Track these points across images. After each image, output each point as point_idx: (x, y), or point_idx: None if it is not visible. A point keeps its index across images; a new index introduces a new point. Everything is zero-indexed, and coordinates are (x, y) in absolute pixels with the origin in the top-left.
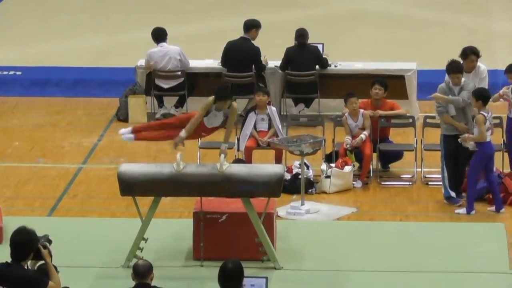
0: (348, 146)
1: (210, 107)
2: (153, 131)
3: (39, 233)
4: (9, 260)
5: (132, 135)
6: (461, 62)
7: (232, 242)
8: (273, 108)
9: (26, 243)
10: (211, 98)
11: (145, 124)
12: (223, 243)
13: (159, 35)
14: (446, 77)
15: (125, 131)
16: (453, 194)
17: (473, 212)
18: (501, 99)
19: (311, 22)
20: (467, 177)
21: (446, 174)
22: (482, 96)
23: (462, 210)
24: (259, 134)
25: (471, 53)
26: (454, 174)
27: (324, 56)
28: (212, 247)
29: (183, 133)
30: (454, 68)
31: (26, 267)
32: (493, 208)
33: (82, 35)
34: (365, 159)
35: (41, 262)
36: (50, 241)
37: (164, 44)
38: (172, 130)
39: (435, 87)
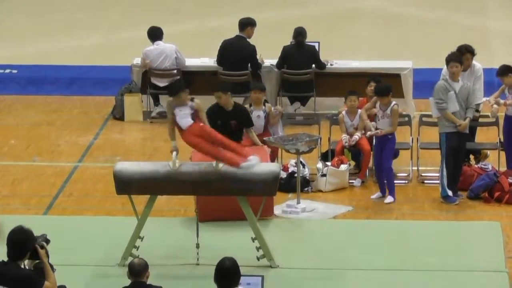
0: (346, 143)
1: (171, 107)
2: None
3: (36, 232)
4: (5, 259)
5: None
6: None
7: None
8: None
9: (22, 243)
10: (169, 99)
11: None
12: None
13: (154, 34)
14: (444, 71)
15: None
16: (450, 193)
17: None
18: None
19: (307, 20)
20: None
21: (445, 173)
22: None
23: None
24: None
25: (466, 52)
26: (453, 172)
27: (323, 61)
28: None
29: (173, 142)
30: (454, 57)
31: (22, 266)
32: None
33: (78, 33)
34: (364, 156)
35: (38, 261)
36: (47, 241)
37: (160, 42)
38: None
39: (431, 86)
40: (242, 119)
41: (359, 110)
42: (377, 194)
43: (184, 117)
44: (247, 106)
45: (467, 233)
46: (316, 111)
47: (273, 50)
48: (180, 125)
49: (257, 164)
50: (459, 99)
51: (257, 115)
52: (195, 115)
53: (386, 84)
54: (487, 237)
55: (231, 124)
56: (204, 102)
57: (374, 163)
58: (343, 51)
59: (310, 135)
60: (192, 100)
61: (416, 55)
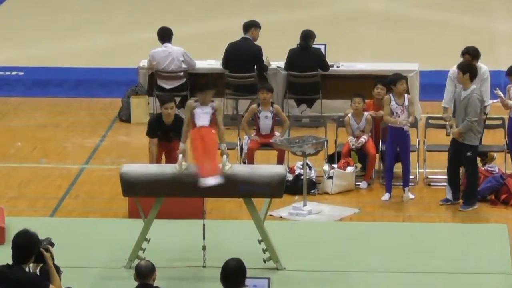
0: (353, 146)
1: (192, 107)
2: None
3: (42, 234)
4: (10, 261)
5: None
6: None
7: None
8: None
9: (27, 246)
10: (190, 101)
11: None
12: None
13: (165, 35)
14: (450, 73)
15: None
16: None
17: None
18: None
19: (313, 22)
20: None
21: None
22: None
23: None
24: (261, 138)
25: (465, 53)
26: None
27: (330, 64)
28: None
29: (182, 144)
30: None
31: (28, 270)
32: None
33: (84, 35)
34: (369, 159)
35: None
36: (52, 244)
37: (168, 44)
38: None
39: (437, 88)
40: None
41: (365, 113)
42: (386, 195)
43: (202, 117)
44: (254, 106)
45: (473, 236)
46: (323, 113)
47: (279, 52)
48: (196, 122)
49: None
50: (460, 106)
51: (265, 115)
52: (213, 116)
53: (395, 73)
54: (493, 239)
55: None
56: None
57: (387, 162)
58: (349, 53)
59: (316, 137)
60: (212, 101)
61: (422, 57)
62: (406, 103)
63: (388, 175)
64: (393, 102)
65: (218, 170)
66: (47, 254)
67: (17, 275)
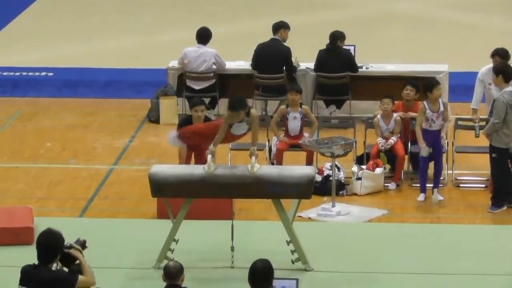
0: (382, 147)
1: (230, 120)
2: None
3: (70, 235)
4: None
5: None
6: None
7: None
8: None
9: (51, 245)
10: (228, 112)
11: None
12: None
13: (202, 36)
14: (479, 75)
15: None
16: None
17: None
18: None
19: (342, 23)
20: None
21: None
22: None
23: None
24: (290, 139)
25: (495, 54)
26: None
27: (359, 66)
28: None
29: (212, 147)
30: None
31: (54, 269)
32: None
33: (113, 36)
34: (398, 160)
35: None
36: (84, 245)
37: (202, 46)
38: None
39: (466, 90)
40: None
41: (395, 114)
42: (422, 195)
43: (238, 129)
44: (283, 107)
45: (502, 237)
46: (352, 115)
47: (309, 53)
48: (233, 132)
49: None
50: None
51: (294, 116)
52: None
53: (430, 78)
54: None
55: None
56: None
57: (421, 163)
58: (379, 54)
59: (345, 138)
60: (248, 114)
61: (451, 59)
62: (441, 108)
63: (422, 176)
64: (428, 111)
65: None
66: (74, 251)
67: (42, 275)
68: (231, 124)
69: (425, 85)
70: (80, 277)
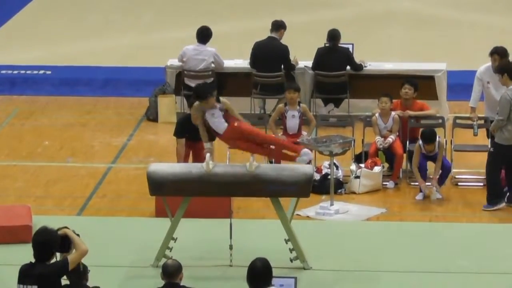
0: (380, 146)
1: (200, 111)
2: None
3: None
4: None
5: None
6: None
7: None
8: None
9: (47, 244)
10: (196, 103)
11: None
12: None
13: (202, 36)
14: (478, 73)
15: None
16: None
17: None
18: None
19: (340, 22)
20: None
21: None
22: None
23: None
24: (288, 138)
25: (494, 53)
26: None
27: (359, 63)
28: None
29: (208, 144)
30: None
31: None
32: None
33: (112, 34)
34: (396, 159)
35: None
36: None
37: (201, 45)
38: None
39: (465, 88)
40: None
41: (393, 113)
42: (420, 194)
43: (217, 122)
44: (281, 105)
45: (500, 235)
46: (350, 113)
47: (307, 52)
48: (216, 131)
49: (308, 159)
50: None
51: (292, 115)
52: (226, 115)
53: (431, 130)
54: None
55: None
56: (238, 103)
57: (421, 161)
58: (377, 53)
59: (343, 136)
60: (218, 101)
61: (450, 57)
62: (437, 150)
63: (422, 175)
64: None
65: (292, 144)
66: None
67: (39, 271)
68: (204, 118)
69: (424, 135)
70: (73, 254)
